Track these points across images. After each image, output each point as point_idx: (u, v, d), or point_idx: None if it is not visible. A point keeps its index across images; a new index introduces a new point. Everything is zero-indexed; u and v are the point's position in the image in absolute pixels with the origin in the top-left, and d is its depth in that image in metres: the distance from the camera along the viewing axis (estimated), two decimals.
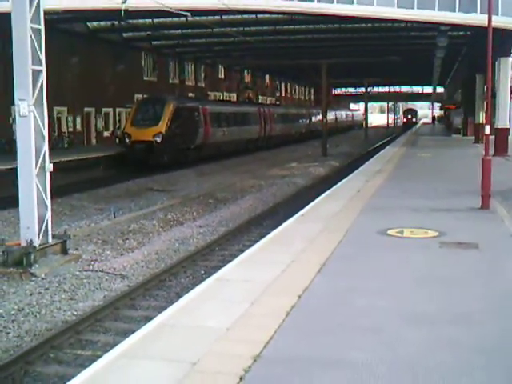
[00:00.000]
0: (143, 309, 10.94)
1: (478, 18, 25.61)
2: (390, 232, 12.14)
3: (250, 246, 12.54)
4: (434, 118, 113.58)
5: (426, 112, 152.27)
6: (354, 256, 10.42)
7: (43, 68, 13.27)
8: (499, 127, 31.32)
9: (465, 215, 14.22)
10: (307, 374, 5.80)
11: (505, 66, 31.81)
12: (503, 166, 24.44)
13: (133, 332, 7.41)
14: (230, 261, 11.15)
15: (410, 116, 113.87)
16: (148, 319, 8.66)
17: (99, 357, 6.81)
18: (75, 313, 10.60)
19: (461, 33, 42.50)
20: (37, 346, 8.87)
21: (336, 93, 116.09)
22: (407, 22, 34.46)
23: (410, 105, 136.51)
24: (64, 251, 13.88)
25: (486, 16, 16.61)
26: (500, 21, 24.65)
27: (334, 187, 19.74)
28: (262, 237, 13.49)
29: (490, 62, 16.29)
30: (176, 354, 6.26)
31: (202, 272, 13.16)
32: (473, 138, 42.28)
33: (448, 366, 5.94)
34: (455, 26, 34.32)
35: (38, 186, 13.10)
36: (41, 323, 10.12)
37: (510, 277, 9.13)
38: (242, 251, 12.27)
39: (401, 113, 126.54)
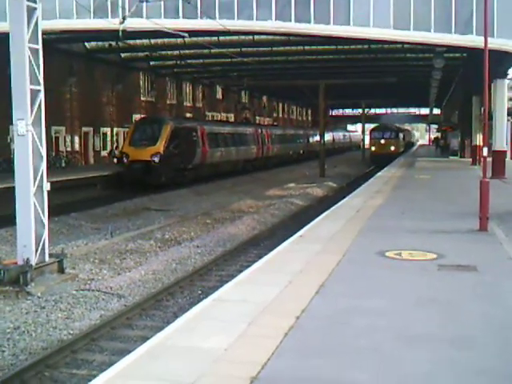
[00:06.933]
0: (140, 328, 10.87)
1: (474, 40, 25.75)
2: (388, 254, 12.09)
3: (248, 266, 12.48)
4: (436, 139, 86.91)
5: (420, 134, 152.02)
6: (352, 277, 10.37)
7: (41, 88, 13.30)
8: (496, 149, 31.36)
9: (463, 237, 14.18)
10: None
11: (501, 87, 31.91)
12: (501, 189, 24.43)
13: (129, 352, 7.34)
14: (227, 281, 11.09)
15: (382, 141, 60.08)
16: (144, 339, 8.59)
17: (95, 376, 6.75)
18: (71, 332, 10.52)
19: (457, 54, 42.76)
20: (32, 365, 8.80)
21: (333, 114, 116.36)
22: (404, 43, 34.67)
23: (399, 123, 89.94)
24: (61, 270, 13.81)
25: (482, 38, 16.68)
26: (496, 42, 24.72)
27: (333, 208, 19.71)
28: (259, 257, 13.44)
29: (486, 84, 16.34)
30: (173, 375, 6.20)
31: (200, 292, 13.10)
32: (470, 159, 42.39)
33: None
34: (451, 48, 34.52)
35: (35, 205, 13.08)
36: (36, 342, 10.04)
37: (508, 299, 9.08)
38: (240, 272, 12.24)
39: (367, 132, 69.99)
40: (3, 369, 9.01)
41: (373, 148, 60.43)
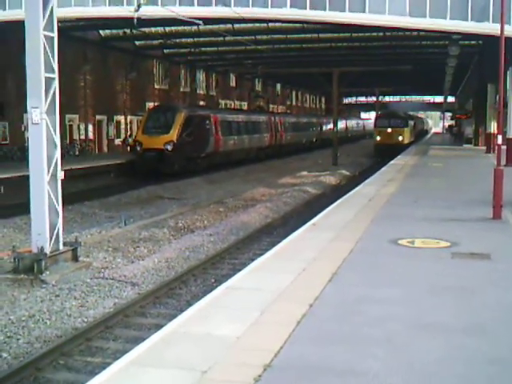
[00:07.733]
0: (153, 316, 10.93)
1: (490, 27, 25.57)
2: (401, 242, 12.07)
3: (261, 254, 12.50)
4: (450, 126, 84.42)
5: (434, 122, 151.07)
6: (365, 265, 10.36)
7: (56, 76, 13.33)
8: (511, 137, 31.14)
9: (476, 225, 14.12)
10: (318, 383, 5.76)
11: None
12: None
13: (143, 340, 7.38)
14: (240, 269, 11.11)
15: (389, 130, 51.33)
16: (158, 327, 8.64)
17: (109, 364, 6.80)
18: (85, 320, 10.60)
19: (472, 42, 42.43)
20: (47, 353, 8.87)
21: (347, 102, 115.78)
22: (419, 30, 34.44)
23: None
24: (75, 258, 13.89)
25: (499, 25, 16.56)
26: None
27: (345, 196, 19.67)
28: (272, 245, 13.44)
29: (502, 72, 16.23)
30: (186, 363, 6.22)
31: (213, 280, 13.15)
32: (484, 148, 42.12)
33: (462, 377, 5.88)
34: (467, 35, 34.27)
35: (49, 193, 13.13)
36: (51, 330, 10.11)
37: None
38: (253, 260, 12.25)
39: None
40: (18, 357, 9.09)
41: (378, 138, 51.46)
